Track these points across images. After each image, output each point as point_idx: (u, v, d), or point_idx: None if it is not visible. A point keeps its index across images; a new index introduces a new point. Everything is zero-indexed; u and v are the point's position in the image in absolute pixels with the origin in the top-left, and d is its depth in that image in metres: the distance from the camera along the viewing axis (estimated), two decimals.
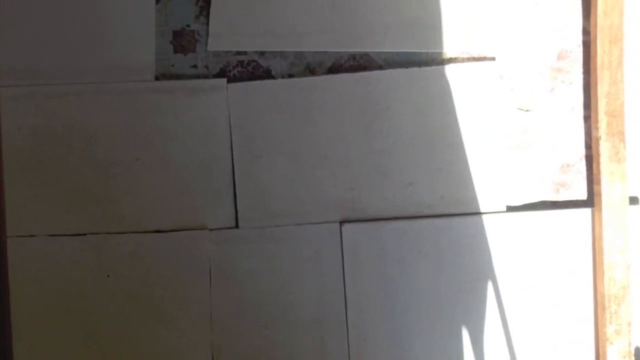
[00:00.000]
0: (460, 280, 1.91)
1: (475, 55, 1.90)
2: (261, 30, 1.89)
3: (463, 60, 1.90)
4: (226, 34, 1.89)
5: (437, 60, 1.90)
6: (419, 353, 1.92)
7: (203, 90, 1.89)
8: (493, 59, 1.89)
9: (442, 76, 1.89)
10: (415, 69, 1.89)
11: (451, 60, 1.90)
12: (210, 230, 1.89)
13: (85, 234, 1.89)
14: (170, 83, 1.89)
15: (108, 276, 1.89)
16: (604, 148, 1.88)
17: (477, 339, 1.93)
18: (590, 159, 1.92)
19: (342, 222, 1.90)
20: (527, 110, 1.91)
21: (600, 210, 1.88)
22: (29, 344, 1.89)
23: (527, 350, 1.93)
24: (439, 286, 1.92)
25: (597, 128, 1.88)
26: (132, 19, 1.88)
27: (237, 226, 1.90)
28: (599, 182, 1.89)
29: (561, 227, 1.92)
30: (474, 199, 1.91)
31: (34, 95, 1.87)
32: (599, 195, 1.89)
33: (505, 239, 1.91)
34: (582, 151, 1.92)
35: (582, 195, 1.93)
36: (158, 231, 1.90)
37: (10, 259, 1.84)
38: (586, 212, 1.92)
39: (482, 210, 1.91)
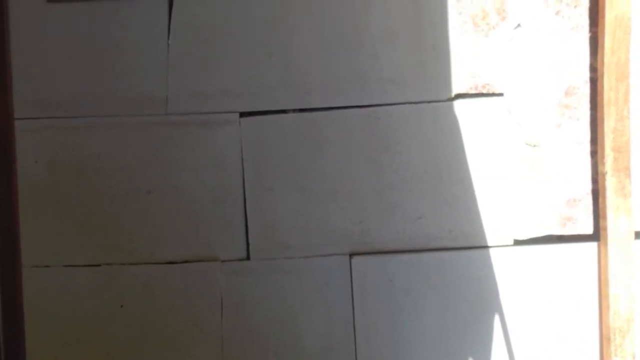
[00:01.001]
0: (467, 313, 1.94)
1: (484, 91, 1.92)
2: (222, 90, 1.91)
3: (471, 95, 1.92)
4: (186, 95, 1.91)
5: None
6: None
7: (216, 124, 1.92)
8: (501, 94, 1.92)
9: (451, 111, 1.92)
10: (424, 104, 1.92)
11: (460, 96, 1.92)
12: (222, 261, 1.93)
13: (99, 265, 1.93)
14: (183, 117, 1.92)
15: (121, 306, 1.94)
16: (610, 183, 1.90)
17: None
18: (597, 194, 1.94)
19: (351, 255, 1.94)
20: (534, 146, 1.93)
21: (606, 244, 1.91)
22: None
23: None
24: (445, 318, 1.94)
25: (603, 163, 1.91)
26: (146, 52, 1.92)
27: (248, 258, 1.93)
28: (604, 217, 1.91)
29: (567, 261, 1.94)
30: (481, 232, 1.93)
31: (50, 128, 1.91)
32: (605, 229, 1.91)
33: (513, 273, 1.93)
34: (588, 186, 1.94)
35: (588, 229, 1.95)
36: (170, 262, 1.93)
37: (25, 290, 1.90)
38: (592, 246, 1.94)
39: (489, 244, 1.93)
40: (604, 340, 1.94)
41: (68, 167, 1.91)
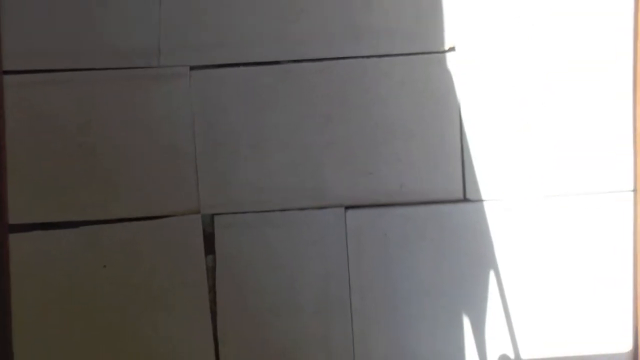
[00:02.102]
0: (463, 265, 1.92)
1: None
2: (214, 42, 1.89)
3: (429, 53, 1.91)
4: (178, 48, 1.88)
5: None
6: (421, 336, 1.93)
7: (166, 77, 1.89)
8: (453, 49, 1.90)
9: (407, 65, 1.89)
10: (376, 59, 1.89)
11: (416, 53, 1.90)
12: (214, 215, 1.90)
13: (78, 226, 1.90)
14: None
15: (105, 266, 1.90)
16: None
17: (479, 323, 1.94)
18: None
19: (346, 208, 1.91)
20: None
21: None
22: (29, 336, 1.89)
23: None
24: (441, 271, 1.92)
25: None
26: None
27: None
28: None
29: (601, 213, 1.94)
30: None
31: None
32: None
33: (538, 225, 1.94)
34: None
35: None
36: (150, 218, 1.90)
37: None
38: (628, 196, 1.93)
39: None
40: (639, 300, 1.93)
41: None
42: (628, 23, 1.89)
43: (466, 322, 1.94)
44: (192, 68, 1.89)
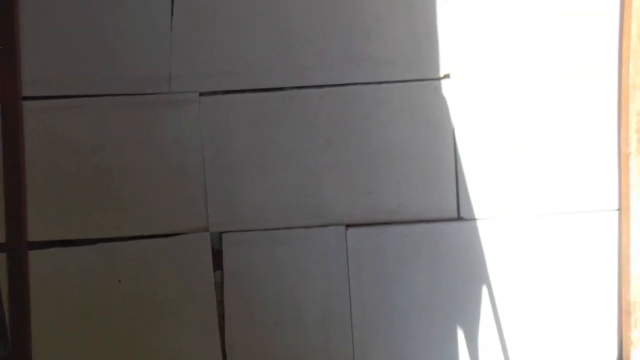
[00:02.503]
0: (458, 282, 2.03)
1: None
2: (222, 70, 1.99)
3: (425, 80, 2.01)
4: (187, 76, 1.99)
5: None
6: (419, 349, 2.04)
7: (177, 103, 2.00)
8: (448, 76, 2.01)
9: (405, 92, 2.00)
10: (375, 86, 2.00)
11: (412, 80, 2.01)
12: (222, 233, 2.01)
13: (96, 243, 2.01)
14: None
15: (120, 281, 2.01)
16: (634, 164, 2.00)
17: (473, 337, 2.05)
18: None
19: (347, 226, 2.02)
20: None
21: (628, 222, 2.00)
22: (47, 348, 2.01)
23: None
24: (437, 287, 2.03)
25: (627, 145, 2.01)
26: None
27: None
28: (627, 197, 2.01)
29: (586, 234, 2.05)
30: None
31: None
32: (627, 209, 2.00)
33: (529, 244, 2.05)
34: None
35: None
36: (163, 235, 2.01)
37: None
38: (613, 215, 2.04)
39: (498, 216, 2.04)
40: (624, 314, 2.04)
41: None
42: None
43: (461, 336, 2.04)
44: (201, 94, 2.00)
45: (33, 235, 1.99)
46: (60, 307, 2.01)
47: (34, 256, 1.99)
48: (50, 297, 2.00)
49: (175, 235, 2.01)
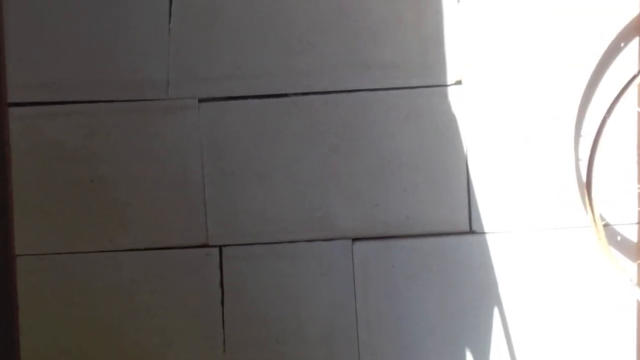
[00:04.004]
0: (468, 297, 1.94)
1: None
2: (223, 75, 1.90)
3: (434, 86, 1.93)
4: (186, 81, 1.90)
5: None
6: None
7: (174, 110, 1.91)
8: (459, 82, 1.92)
9: (413, 99, 1.91)
10: (382, 92, 1.91)
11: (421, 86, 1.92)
12: (221, 247, 1.92)
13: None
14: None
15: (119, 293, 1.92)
16: None
17: (484, 356, 1.95)
18: None
19: (354, 240, 1.93)
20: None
21: None
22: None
23: None
24: (447, 304, 1.94)
25: None
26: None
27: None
28: None
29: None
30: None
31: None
32: None
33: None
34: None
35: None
36: (159, 249, 1.92)
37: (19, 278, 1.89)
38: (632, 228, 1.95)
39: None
40: None
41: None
42: None
43: (470, 355, 1.95)
44: (200, 100, 1.91)
45: (20, 249, 1.90)
46: (51, 318, 1.91)
47: (22, 263, 1.89)
48: (38, 309, 1.91)
49: (171, 248, 1.91)
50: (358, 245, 1.93)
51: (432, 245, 1.93)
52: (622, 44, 1.92)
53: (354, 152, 1.92)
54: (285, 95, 1.92)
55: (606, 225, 1.93)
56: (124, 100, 1.90)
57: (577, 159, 1.93)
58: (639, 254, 1.96)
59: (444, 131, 1.92)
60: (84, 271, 1.91)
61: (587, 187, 1.86)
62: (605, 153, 1.89)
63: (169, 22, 1.89)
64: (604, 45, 1.91)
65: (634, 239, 1.96)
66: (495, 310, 1.94)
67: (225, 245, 1.92)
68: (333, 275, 1.92)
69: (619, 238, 1.96)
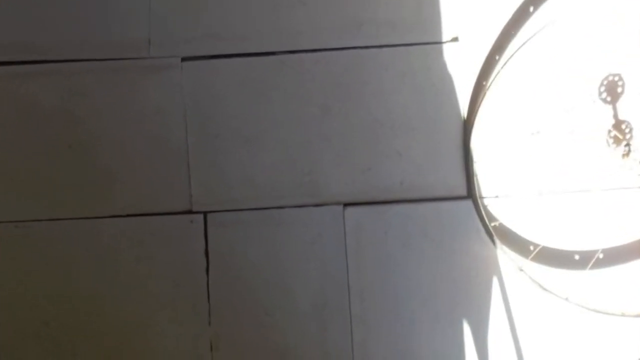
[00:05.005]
0: (465, 266, 1.84)
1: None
2: (207, 33, 1.82)
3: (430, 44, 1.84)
4: (168, 39, 1.82)
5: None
6: (422, 338, 1.85)
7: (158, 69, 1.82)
8: (456, 39, 1.83)
9: (408, 56, 1.82)
10: (375, 50, 1.82)
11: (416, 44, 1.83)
12: (206, 213, 1.82)
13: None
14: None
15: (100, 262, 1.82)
16: None
17: (481, 326, 1.86)
18: None
19: (345, 205, 1.83)
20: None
21: None
22: (14, 335, 1.82)
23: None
24: (442, 272, 1.84)
25: None
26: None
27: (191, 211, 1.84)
28: None
29: None
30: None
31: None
32: None
33: None
34: None
35: None
36: (141, 215, 1.83)
37: None
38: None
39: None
40: None
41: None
42: None
43: (467, 325, 1.85)
44: (183, 59, 1.82)
45: None
46: (28, 285, 1.82)
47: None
48: (16, 279, 1.82)
49: (155, 214, 1.82)
50: (350, 210, 1.83)
51: (428, 211, 1.83)
52: None
53: (345, 113, 1.83)
54: (273, 53, 1.82)
55: None
56: (104, 59, 1.81)
57: None
58: None
59: (440, 90, 1.83)
60: (63, 239, 1.82)
61: None
62: None
63: None
64: None
65: None
66: (494, 279, 1.85)
67: (210, 212, 1.83)
68: (324, 242, 1.83)
69: None
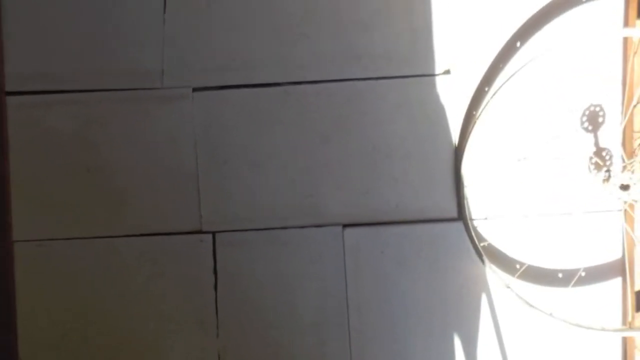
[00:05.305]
0: (457, 283, 1.97)
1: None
2: (216, 65, 1.94)
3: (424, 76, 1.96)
4: (180, 70, 1.94)
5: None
6: (417, 353, 1.98)
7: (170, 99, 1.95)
8: (448, 72, 1.95)
9: (403, 88, 1.95)
10: (372, 82, 1.95)
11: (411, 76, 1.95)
12: (214, 233, 1.95)
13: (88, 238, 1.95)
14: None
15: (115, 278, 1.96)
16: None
17: (472, 340, 1.99)
18: None
19: (344, 226, 1.96)
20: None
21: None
22: (35, 347, 1.95)
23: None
24: (437, 289, 1.97)
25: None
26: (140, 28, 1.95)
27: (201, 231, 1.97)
28: None
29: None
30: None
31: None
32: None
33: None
34: None
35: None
36: (157, 234, 1.96)
37: (17, 264, 1.93)
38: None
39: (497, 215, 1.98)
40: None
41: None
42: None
43: (459, 340, 1.99)
44: (194, 89, 1.95)
45: (18, 235, 1.94)
46: (48, 303, 1.96)
47: (19, 249, 1.94)
48: (37, 295, 1.95)
49: (167, 234, 1.95)
50: (349, 231, 1.96)
51: (422, 232, 1.96)
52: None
53: (345, 140, 1.96)
54: (278, 84, 1.95)
55: None
56: (120, 89, 1.94)
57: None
58: None
59: (433, 120, 1.96)
60: (80, 257, 1.95)
61: None
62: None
63: (164, 12, 1.93)
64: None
65: None
66: (484, 296, 1.98)
67: (218, 232, 1.96)
68: (324, 261, 1.96)
69: None
